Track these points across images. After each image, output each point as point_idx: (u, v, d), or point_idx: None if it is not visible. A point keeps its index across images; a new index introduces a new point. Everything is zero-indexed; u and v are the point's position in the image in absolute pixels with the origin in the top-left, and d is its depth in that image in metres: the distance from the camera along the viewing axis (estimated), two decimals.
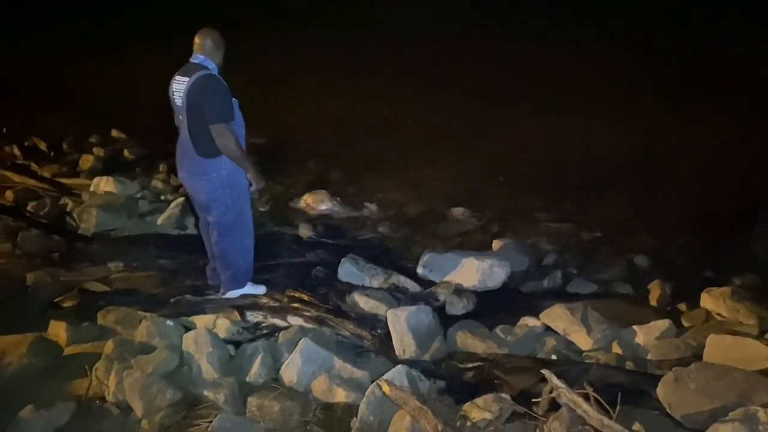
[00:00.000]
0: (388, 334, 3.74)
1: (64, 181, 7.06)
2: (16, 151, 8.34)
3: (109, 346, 3.56)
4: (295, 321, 3.92)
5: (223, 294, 4.20)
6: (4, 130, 9.19)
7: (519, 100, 9.90)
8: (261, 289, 4.27)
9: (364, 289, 4.39)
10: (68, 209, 5.96)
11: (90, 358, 3.57)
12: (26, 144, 8.71)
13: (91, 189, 6.38)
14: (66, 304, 4.18)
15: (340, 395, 3.17)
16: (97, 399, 3.33)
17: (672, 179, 7.08)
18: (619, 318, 4.09)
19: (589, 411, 2.59)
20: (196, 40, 3.82)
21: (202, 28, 3.85)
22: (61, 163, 7.98)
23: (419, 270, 4.83)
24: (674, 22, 12.09)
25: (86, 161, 7.92)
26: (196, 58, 3.81)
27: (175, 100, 3.80)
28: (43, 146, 8.73)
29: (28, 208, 5.96)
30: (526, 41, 12.45)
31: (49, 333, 3.88)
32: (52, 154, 8.45)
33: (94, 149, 8.57)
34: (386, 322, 3.77)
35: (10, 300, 4.30)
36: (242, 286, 4.21)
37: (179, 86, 3.74)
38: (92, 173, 7.20)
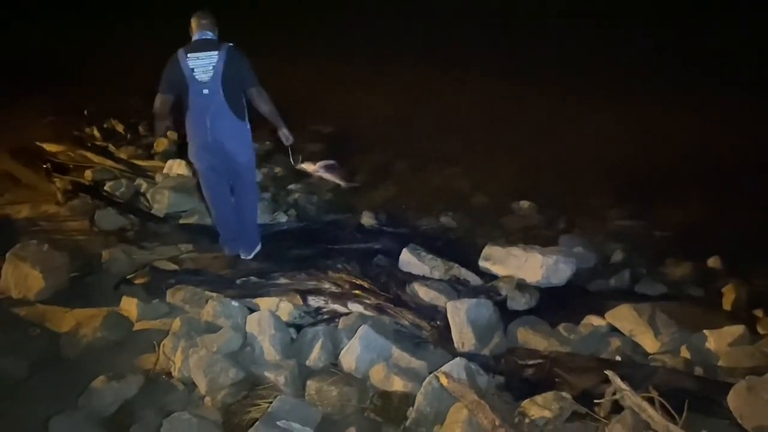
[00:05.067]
0: (447, 326, 3.72)
1: (139, 162, 7.32)
2: (96, 133, 8.69)
3: (176, 323, 3.69)
4: (356, 308, 3.95)
5: (251, 254, 4.64)
6: (86, 112, 9.60)
7: (589, 92, 9.62)
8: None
9: (424, 280, 4.37)
10: (142, 190, 6.18)
11: (158, 335, 3.72)
12: (105, 126, 9.07)
13: (165, 171, 6.59)
14: (138, 281, 4.34)
15: (398, 384, 3.19)
16: (163, 374, 3.46)
17: (752, 177, 6.74)
18: (689, 321, 3.91)
19: (654, 416, 2.51)
20: (202, 21, 4.22)
21: (199, 10, 4.26)
22: (136, 145, 8.27)
23: (481, 263, 4.76)
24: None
25: (160, 144, 8.16)
26: (206, 34, 4.20)
27: (196, 76, 4.09)
28: (120, 129, 9.06)
29: (105, 187, 6.20)
30: (596, 29, 12.05)
31: (121, 308, 4.06)
32: (128, 136, 8.76)
33: (168, 133, 8.83)
34: (446, 314, 3.75)
35: (87, 275, 4.51)
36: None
37: (204, 61, 4.09)
38: (166, 156, 7.42)
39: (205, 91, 4.10)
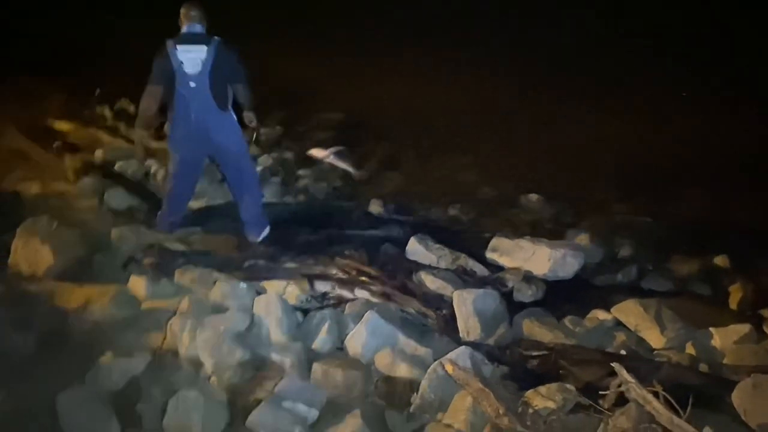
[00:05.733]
0: (453, 316, 3.73)
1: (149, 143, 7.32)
2: (107, 113, 8.71)
3: (184, 303, 3.72)
4: (362, 294, 3.96)
5: (260, 237, 4.67)
6: (97, 92, 9.59)
7: (595, 88, 9.56)
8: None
9: (431, 269, 4.37)
10: (152, 171, 6.20)
11: (166, 314, 3.74)
12: (116, 106, 9.07)
13: None
14: (146, 261, 4.35)
15: (403, 370, 3.20)
16: (170, 352, 3.49)
17: (762, 176, 6.71)
18: (694, 318, 3.89)
19: (659, 408, 2.52)
20: (191, 13, 4.24)
21: (188, 1, 4.26)
22: None
23: (488, 254, 4.74)
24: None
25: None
26: (195, 27, 4.23)
27: (185, 68, 4.13)
28: (131, 109, 9.04)
29: (116, 167, 6.23)
30: (604, 29, 11.97)
31: (129, 286, 4.08)
32: None
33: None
34: (452, 303, 3.76)
35: (96, 253, 4.53)
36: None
37: (193, 54, 4.13)
38: None
39: (192, 84, 4.17)
